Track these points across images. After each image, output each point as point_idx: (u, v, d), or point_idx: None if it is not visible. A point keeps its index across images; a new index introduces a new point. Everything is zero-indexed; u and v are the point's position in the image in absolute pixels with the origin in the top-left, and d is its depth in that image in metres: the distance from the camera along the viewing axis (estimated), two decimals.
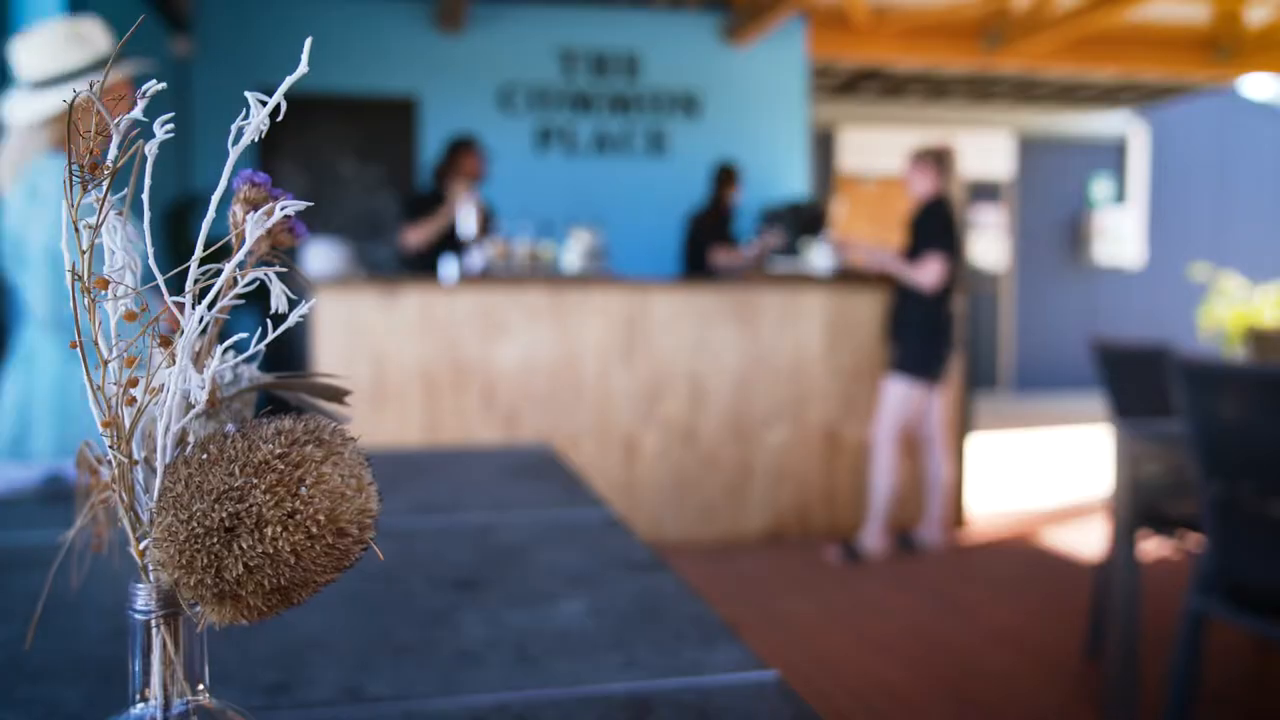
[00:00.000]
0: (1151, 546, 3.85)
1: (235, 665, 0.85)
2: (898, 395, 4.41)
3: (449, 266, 4.80)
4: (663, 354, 4.66)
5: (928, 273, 4.33)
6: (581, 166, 7.02)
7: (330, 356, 4.34)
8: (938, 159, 4.48)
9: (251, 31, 6.46)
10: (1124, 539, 2.71)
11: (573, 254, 5.40)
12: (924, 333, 4.41)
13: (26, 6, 3.30)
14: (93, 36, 2.24)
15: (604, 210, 6.81)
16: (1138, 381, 3.24)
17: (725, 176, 6.28)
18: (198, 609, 0.48)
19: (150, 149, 0.46)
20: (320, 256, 4.58)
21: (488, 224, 5.31)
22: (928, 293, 4.36)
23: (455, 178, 5.16)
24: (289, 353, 4.64)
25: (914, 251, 4.40)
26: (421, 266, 5.04)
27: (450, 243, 5.11)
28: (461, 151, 5.22)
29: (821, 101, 9.76)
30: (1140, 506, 2.70)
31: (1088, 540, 4.79)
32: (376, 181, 6.82)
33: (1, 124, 2.27)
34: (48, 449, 2.27)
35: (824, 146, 10.25)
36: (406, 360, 4.40)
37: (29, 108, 2.19)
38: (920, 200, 4.50)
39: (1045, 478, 6.44)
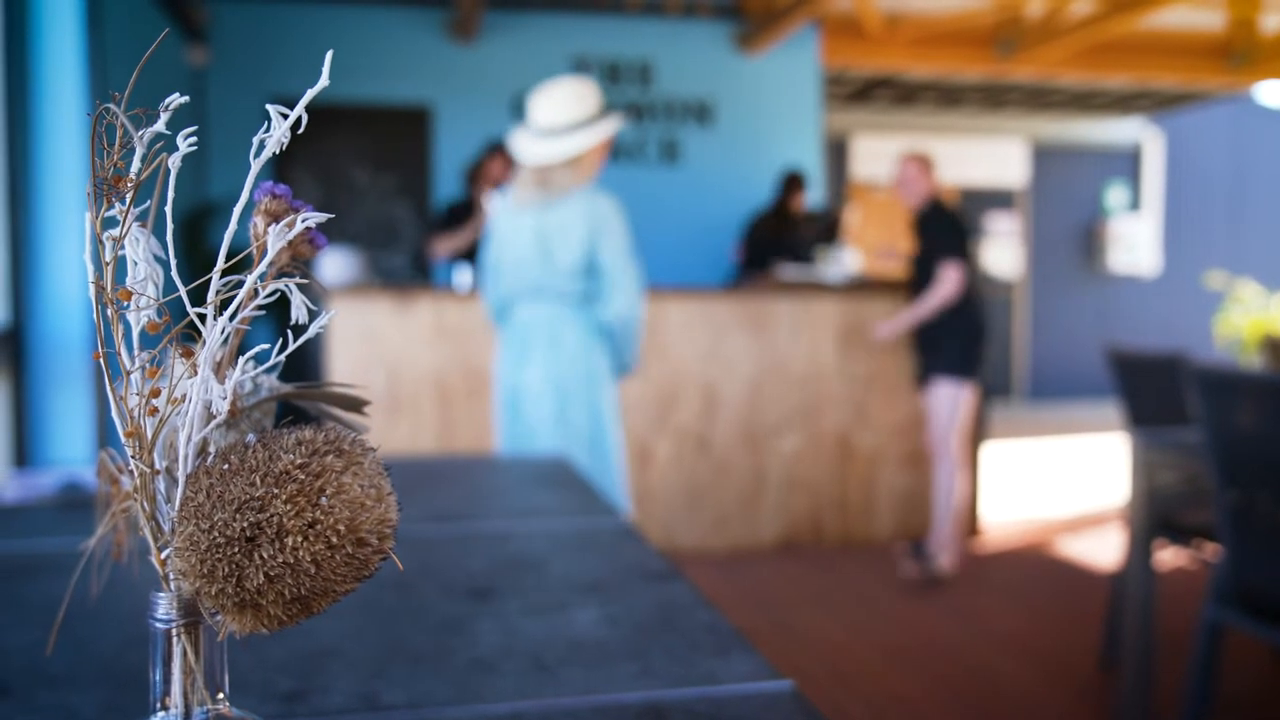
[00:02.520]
0: (1167, 556, 3.83)
1: (252, 673, 0.85)
2: (950, 398, 4.31)
3: (463, 275, 4.81)
4: (676, 362, 4.66)
5: (948, 284, 4.24)
6: None
7: (345, 365, 4.35)
8: (928, 161, 4.41)
9: (266, 41, 6.50)
10: (1139, 548, 2.69)
11: None
12: (965, 333, 4.32)
13: (43, 19, 3.33)
14: (591, 95, 2.84)
15: None
16: (1153, 390, 3.22)
17: (791, 183, 6.24)
18: (218, 618, 0.49)
19: (174, 162, 0.46)
20: (335, 265, 4.60)
21: None
22: (956, 300, 4.29)
23: (482, 184, 5.19)
24: (304, 361, 4.66)
25: (927, 258, 4.33)
26: (430, 274, 5.08)
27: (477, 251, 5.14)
28: (487, 156, 5.25)
29: (834, 109, 9.76)
30: (1156, 516, 2.69)
31: (1103, 549, 4.76)
32: (391, 190, 6.85)
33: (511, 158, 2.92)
34: (583, 424, 2.85)
35: (837, 154, 10.24)
36: (420, 368, 4.41)
37: (550, 149, 2.78)
38: (921, 203, 4.40)
39: (1060, 486, 6.41)
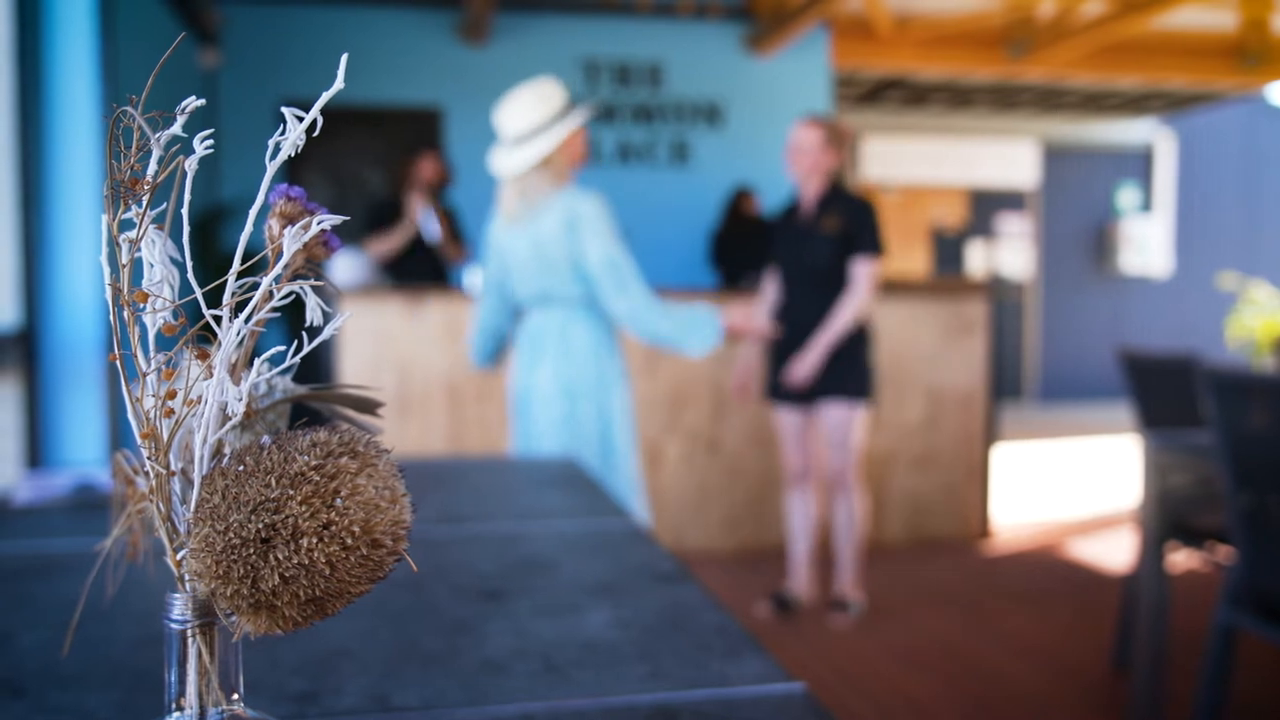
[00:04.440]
0: (1180, 558, 3.81)
1: (264, 673, 0.85)
2: (844, 422, 3.68)
3: (474, 276, 4.82)
4: (686, 364, 4.66)
5: (867, 287, 3.63)
6: (605, 176, 7.03)
7: (356, 366, 4.36)
8: (838, 133, 3.72)
9: (277, 44, 6.52)
10: (1152, 551, 2.68)
11: None
12: (862, 347, 3.70)
13: (56, 22, 3.34)
14: (553, 94, 2.76)
15: (627, 220, 6.80)
16: (1165, 392, 3.21)
17: (738, 196, 6.39)
18: (233, 619, 0.49)
19: (190, 165, 0.46)
20: (345, 267, 4.61)
21: (454, 228, 5.32)
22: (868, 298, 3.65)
23: (411, 187, 5.19)
24: (315, 363, 4.68)
25: (835, 252, 3.64)
26: (394, 278, 5.04)
27: (418, 252, 5.14)
28: (418, 158, 5.24)
29: (845, 111, 9.75)
30: (1168, 518, 2.68)
31: (1115, 552, 4.75)
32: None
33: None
34: (592, 426, 2.81)
35: (848, 156, 10.23)
36: (431, 370, 4.42)
37: (518, 158, 2.74)
38: (822, 182, 3.69)
39: (1072, 489, 6.39)
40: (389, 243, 5.08)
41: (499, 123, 2.79)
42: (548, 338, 2.85)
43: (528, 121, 2.74)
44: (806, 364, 3.61)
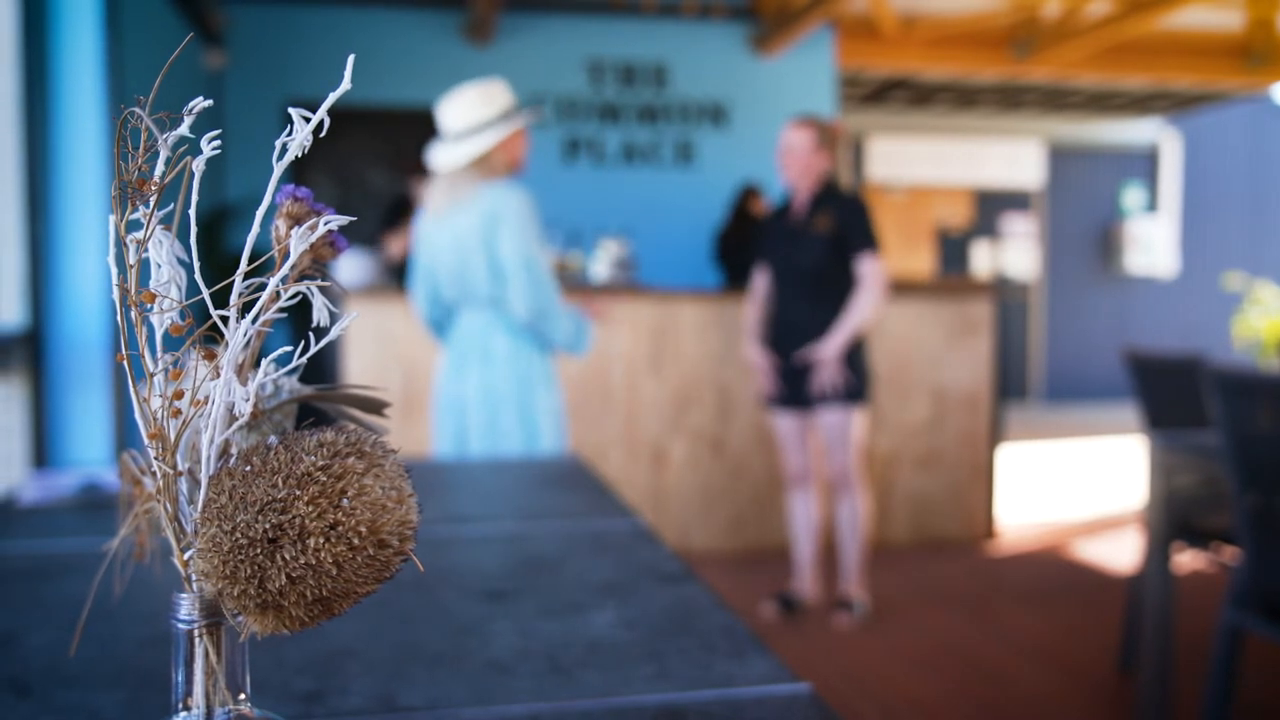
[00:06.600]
0: (1186, 559, 3.80)
1: (270, 673, 0.85)
2: (841, 426, 3.64)
3: None
4: (691, 364, 4.66)
5: (880, 281, 3.56)
6: (609, 177, 7.04)
7: (360, 366, 4.37)
8: (829, 134, 3.67)
9: (283, 44, 6.53)
10: (1157, 552, 2.67)
11: (601, 264, 5.41)
12: (857, 349, 3.65)
13: (62, 23, 3.35)
14: (498, 95, 2.75)
15: (632, 220, 6.83)
16: (1171, 392, 3.20)
17: (746, 194, 6.35)
18: (240, 619, 0.49)
19: (198, 165, 0.46)
20: (350, 267, 4.62)
21: None
22: (882, 296, 3.61)
23: (422, 180, 5.18)
24: (320, 363, 4.68)
25: (852, 245, 3.57)
26: (400, 279, 5.03)
27: None
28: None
29: (850, 111, 9.74)
30: (1174, 519, 2.67)
31: (1120, 553, 4.74)
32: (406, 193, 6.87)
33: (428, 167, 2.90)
34: (515, 431, 2.76)
35: (853, 156, 10.23)
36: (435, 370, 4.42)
37: (454, 154, 2.72)
38: (815, 184, 3.64)
39: (1077, 489, 6.37)
40: (404, 239, 5.07)
41: (441, 118, 2.77)
42: (472, 344, 2.82)
43: (469, 119, 2.72)
44: (824, 368, 3.56)
